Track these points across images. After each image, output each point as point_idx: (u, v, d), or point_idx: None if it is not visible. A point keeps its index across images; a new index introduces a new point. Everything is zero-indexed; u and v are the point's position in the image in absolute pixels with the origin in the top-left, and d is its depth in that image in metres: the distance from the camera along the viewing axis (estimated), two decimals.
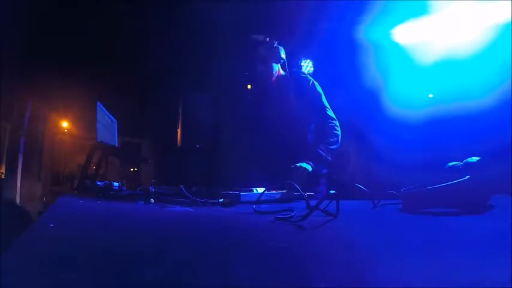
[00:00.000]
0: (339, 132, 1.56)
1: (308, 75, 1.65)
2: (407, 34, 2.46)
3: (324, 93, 1.63)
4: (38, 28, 2.69)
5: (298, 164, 1.42)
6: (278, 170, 1.44)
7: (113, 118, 1.75)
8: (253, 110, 1.71)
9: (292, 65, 1.74)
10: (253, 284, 0.32)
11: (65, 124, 5.24)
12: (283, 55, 1.63)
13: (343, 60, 2.46)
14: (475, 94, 1.96)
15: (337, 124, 1.58)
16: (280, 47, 1.62)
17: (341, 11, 2.26)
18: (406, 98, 2.36)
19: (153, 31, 2.85)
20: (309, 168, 1.42)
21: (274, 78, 1.63)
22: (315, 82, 1.63)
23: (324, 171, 1.59)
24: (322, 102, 1.60)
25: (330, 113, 1.60)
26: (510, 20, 1.82)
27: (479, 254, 0.42)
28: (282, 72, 1.67)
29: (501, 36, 1.91)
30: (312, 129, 1.63)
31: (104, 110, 1.59)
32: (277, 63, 1.63)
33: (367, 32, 2.38)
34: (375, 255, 0.43)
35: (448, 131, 2.06)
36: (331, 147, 1.52)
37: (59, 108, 4.68)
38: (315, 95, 1.60)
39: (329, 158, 1.50)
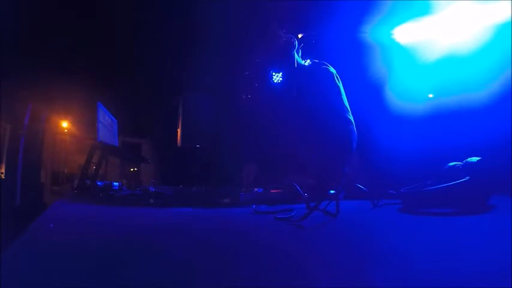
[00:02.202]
0: (355, 137, 1.40)
1: (329, 66, 1.51)
2: (409, 34, 2.46)
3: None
4: (38, 28, 2.69)
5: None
6: (283, 169, 1.40)
7: (113, 118, 1.75)
8: (270, 102, 1.59)
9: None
10: (253, 284, 0.32)
11: (65, 124, 5.24)
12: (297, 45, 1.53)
13: (342, 61, 2.46)
14: (476, 94, 1.96)
15: (354, 129, 1.41)
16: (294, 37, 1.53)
17: (342, 12, 2.26)
18: (406, 98, 2.36)
19: (153, 31, 2.85)
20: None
21: (296, 66, 1.52)
22: (336, 75, 1.49)
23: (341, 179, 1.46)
24: (341, 100, 1.44)
25: (349, 115, 1.43)
26: (510, 19, 1.82)
27: (479, 254, 0.42)
28: (300, 60, 1.57)
29: (502, 36, 1.91)
30: (327, 131, 1.41)
31: (105, 110, 1.59)
32: (296, 52, 1.54)
33: (369, 32, 2.39)
34: (375, 255, 0.43)
35: (448, 131, 2.05)
36: (349, 158, 1.38)
37: (59, 108, 4.67)
38: (333, 89, 1.45)
39: (345, 169, 1.36)
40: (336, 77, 1.49)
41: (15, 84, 3.14)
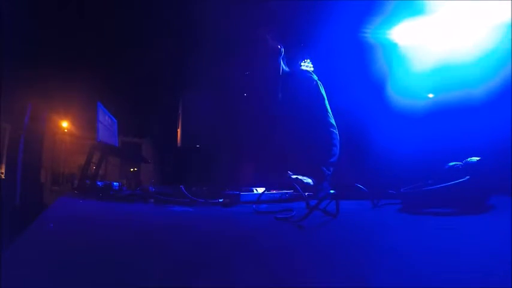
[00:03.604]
0: (338, 142, 1.51)
1: (313, 74, 1.59)
2: (409, 34, 2.47)
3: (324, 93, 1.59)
4: (38, 28, 2.69)
5: (299, 177, 1.30)
6: (279, 170, 1.42)
7: (113, 118, 1.75)
8: (257, 107, 1.65)
9: (292, 64, 1.72)
10: (254, 284, 0.32)
11: (65, 124, 5.24)
12: (283, 52, 1.61)
13: (344, 61, 2.46)
14: (476, 94, 1.96)
15: (337, 133, 1.52)
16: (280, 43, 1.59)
17: (345, 12, 2.26)
18: (407, 98, 2.36)
19: (152, 30, 2.85)
20: (311, 182, 1.35)
21: (281, 73, 1.58)
22: (318, 82, 1.57)
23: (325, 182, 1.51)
24: (324, 106, 1.53)
25: (331, 119, 1.53)
26: (510, 19, 1.82)
27: (479, 254, 0.42)
28: (285, 68, 1.62)
29: (502, 36, 1.92)
30: (312, 136, 1.51)
31: (105, 110, 1.59)
32: (282, 59, 1.59)
33: (370, 32, 2.39)
34: (375, 256, 0.43)
35: (449, 131, 2.06)
36: (332, 160, 1.46)
37: (59, 108, 4.68)
38: (318, 96, 1.54)
39: (330, 172, 1.44)
40: (319, 83, 1.57)
41: (15, 84, 3.14)
